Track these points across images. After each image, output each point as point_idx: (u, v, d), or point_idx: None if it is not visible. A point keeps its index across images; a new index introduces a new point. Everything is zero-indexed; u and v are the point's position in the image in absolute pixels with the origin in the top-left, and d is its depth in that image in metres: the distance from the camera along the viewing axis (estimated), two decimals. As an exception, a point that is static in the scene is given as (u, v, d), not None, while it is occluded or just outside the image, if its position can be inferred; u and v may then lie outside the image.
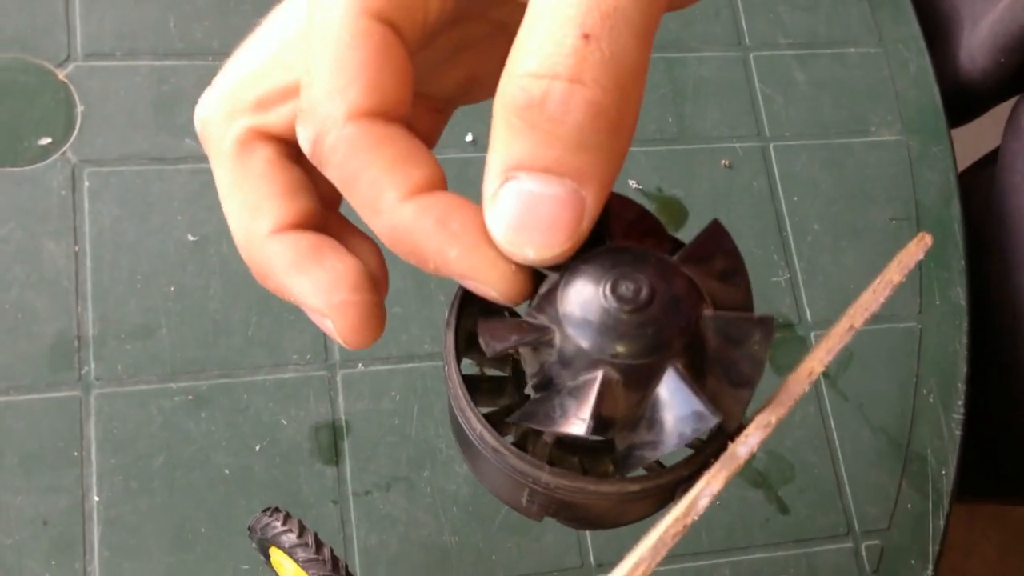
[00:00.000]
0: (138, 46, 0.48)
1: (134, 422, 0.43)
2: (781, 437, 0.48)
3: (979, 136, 0.70)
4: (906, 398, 0.50)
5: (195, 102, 0.48)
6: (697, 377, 0.23)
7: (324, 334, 0.45)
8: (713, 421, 0.22)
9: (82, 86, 0.47)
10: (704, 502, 0.22)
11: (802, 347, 0.50)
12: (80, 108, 0.46)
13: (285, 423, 0.44)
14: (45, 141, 0.45)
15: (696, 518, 0.22)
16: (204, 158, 0.47)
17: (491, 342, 0.23)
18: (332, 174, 0.21)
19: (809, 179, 0.53)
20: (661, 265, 0.23)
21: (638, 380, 0.23)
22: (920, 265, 0.53)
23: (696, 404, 0.22)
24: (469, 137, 0.50)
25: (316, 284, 0.22)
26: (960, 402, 0.50)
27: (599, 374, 0.22)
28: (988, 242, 0.56)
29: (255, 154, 0.22)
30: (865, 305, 0.25)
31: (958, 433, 0.50)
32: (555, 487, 0.23)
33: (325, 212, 0.24)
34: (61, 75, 0.47)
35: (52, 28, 0.47)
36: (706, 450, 0.23)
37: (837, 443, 0.48)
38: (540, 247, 0.19)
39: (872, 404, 0.49)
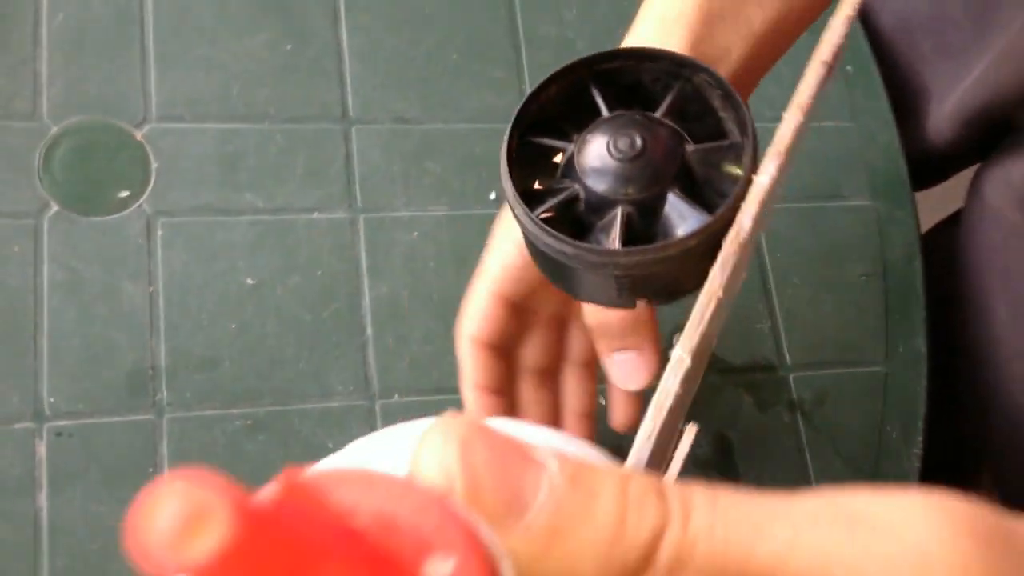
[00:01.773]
0: (206, 111, 0.54)
1: (201, 443, 0.49)
2: (762, 467, 0.55)
3: (945, 197, 0.77)
4: (872, 434, 0.57)
5: (255, 161, 0.55)
6: (692, 196, 0.30)
7: (366, 368, 0.52)
8: (709, 220, 0.28)
9: (156, 145, 0.53)
10: (747, 223, 0.26)
11: (783, 387, 0.57)
12: (155, 165, 0.53)
13: (331, 446, 0.50)
14: (124, 194, 0.52)
15: (744, 238, 0.26)
16: (262, 211, 0.54)
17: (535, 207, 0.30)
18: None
19: (790, 238, 0.60)
20: (647, 121, 0.30)
21: (647, 208, 0.30)
22: (887, 316, 0.60)
23: (693, 213, 0.29)
24: (493, 196, 0.57)
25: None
26: (919, 438, 0.57)
27: (618, 210, 0.29)
28: (951, 294, 0.63)
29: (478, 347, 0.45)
30: (833, 38, 0.30)
31: (917, 466, 0.56)
32: (632, 264, 0.28)
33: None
34: (138, 135, 0.53)
35: (130, 94, 0.53)
36: (737, 194, 0.29)
37: (812, 473, 0.55)
38: None
39: (843, 438, 0.56)
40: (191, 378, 0.50)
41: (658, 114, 0.31)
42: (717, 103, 0.31)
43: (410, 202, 0.55)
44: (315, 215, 0.54)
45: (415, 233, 0.55)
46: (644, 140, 0.29)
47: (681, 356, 0.23)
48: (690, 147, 0.30)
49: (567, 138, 0.31)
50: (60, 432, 0.47)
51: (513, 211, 0.30)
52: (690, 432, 0.26)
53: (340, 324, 0.52)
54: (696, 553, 0.17)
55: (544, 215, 0.30)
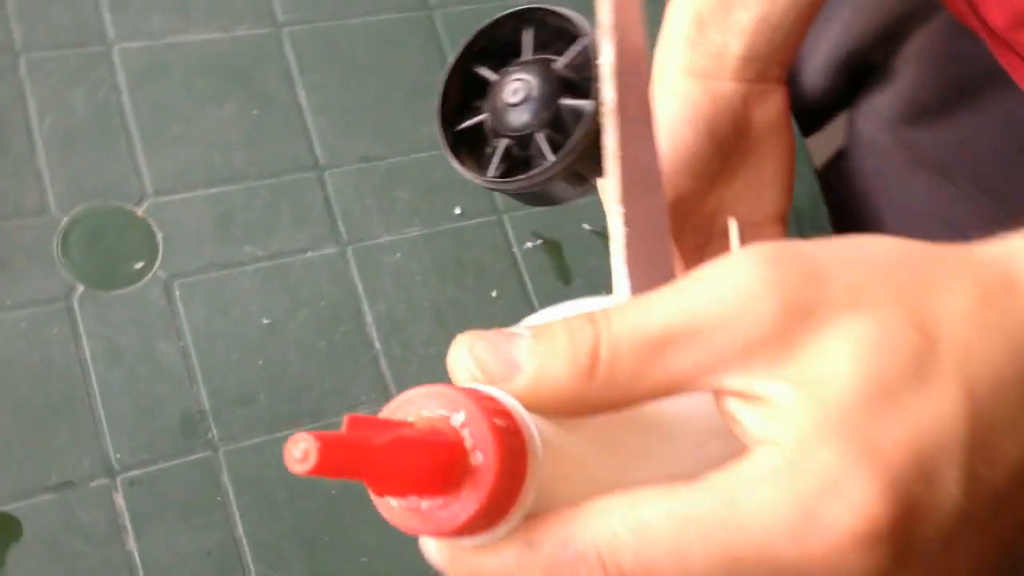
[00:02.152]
0: (194, 180, 0.60)
1: (256, 468, 0.55)
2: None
3: (832, 135, 0.88)
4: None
5: (246, 216, 0.61)
6: (582, 97, 0.36)
7: (381, 377, 0.58)
8: (593, 105, 0.35)
9: (157, 217, 0.59)
10: (610, 95, 0.34)
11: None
12: (159, 235, 0.59)
13: (367, 450, 0.56)
14: (139, 265, 0.57)
15: (613, 107, 0.33)
16: (262, 259, 0.60)
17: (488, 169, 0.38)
18: None
19: (714, 203, 0.69)
20: (520, 68, 0.37)
21: (556, 123, 0.36)
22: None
23: (586, 106, 0.36)
24: (458, 210, 0.64)
25: None
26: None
27: (538, 136, 0.37)
28: (850, 219, 0.73)
29: None
30: None
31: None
32: (567, 163, 0.36)
33: None
34: (139, 212, 0.59)
35: (125, 177, 0.59)
36: (595, 78, 0.35)
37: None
38: None
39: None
40: (234, 414, 0.56)
41: (527, 57, 0.38)
42: (571, 27, 0.37)
43: (388, 228, 0.62)
44: (308, 254, 0.61)
45: (398, 254, 0.62)
46: (525, 82, 0.36)
47: (614, 208, 0.33)
48: (555, 65, 0.37)
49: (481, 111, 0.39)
50: (132, 482, 0.53)
51: (475, 182, 0.38)
52: (733, 226, 0.35)
53: (351, 344, 0.59)
54: (621, 343, 0.26)
55: (499, 170, 0.38)
